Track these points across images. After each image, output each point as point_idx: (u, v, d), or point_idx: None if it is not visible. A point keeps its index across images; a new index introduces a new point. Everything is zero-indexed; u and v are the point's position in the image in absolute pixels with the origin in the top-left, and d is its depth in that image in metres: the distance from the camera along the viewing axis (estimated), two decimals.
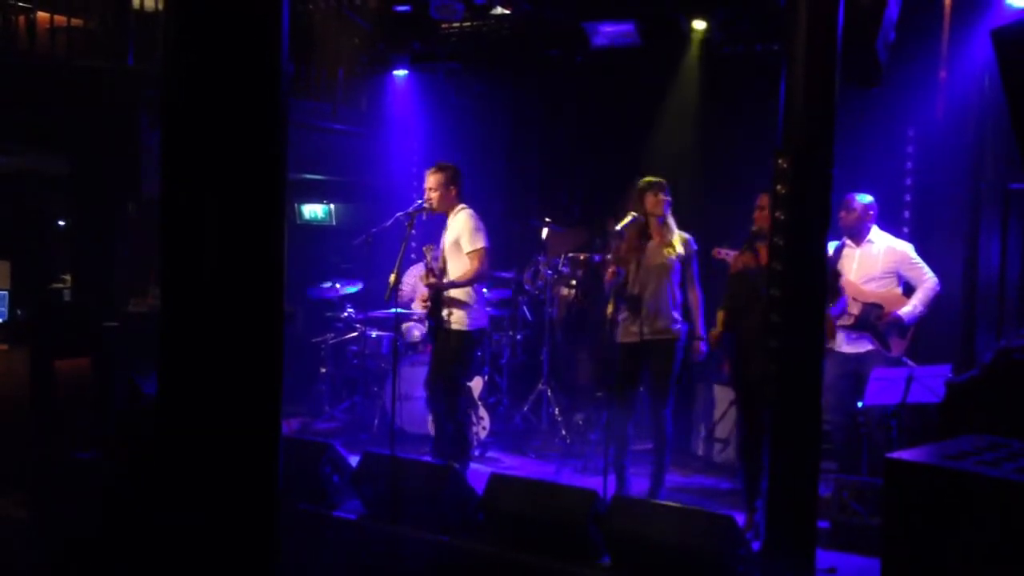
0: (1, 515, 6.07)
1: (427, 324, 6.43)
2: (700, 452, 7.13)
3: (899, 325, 5.90)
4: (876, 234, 6.12)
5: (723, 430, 6.89)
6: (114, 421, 6.36)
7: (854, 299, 5.99)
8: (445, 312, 6.19)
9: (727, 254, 5.72)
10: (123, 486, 5.48)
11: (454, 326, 6.19)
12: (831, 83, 4.40)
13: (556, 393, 7.67)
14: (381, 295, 6.64)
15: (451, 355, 6.20)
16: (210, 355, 3.18)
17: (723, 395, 6.92)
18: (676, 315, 5.83)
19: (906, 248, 6.10)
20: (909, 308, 5.91)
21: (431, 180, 6.33)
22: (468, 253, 6.15)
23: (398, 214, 6.53)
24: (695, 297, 5.91)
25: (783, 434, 4.48)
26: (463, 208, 6.34)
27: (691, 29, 7.21)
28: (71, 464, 5.99)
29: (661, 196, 5.84)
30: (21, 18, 7.85)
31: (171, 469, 3.23)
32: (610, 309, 5.80)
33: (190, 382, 3.21)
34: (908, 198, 7.08)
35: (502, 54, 8.06)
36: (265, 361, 3.26)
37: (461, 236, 6.18)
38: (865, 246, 6.11)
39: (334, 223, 9.98)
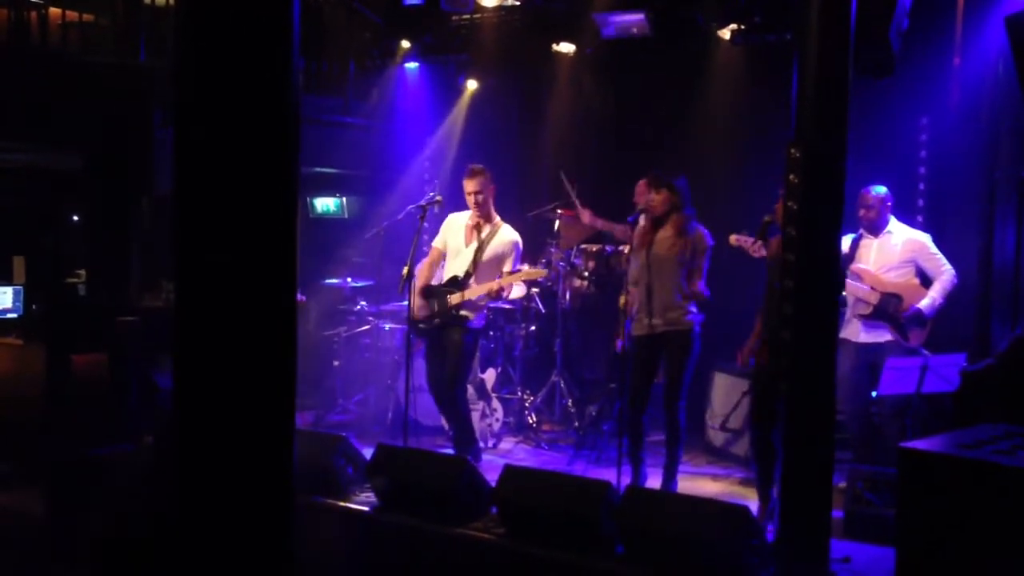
0: (18, 511, 6.10)
1: (428, 322, 6.40)
2: (713, 442, 7.12)
3: (919, 318, 5.90)
4: (895, 225, 6.12)
5: (736, 420, 6.87)
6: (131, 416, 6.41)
7: (873, 288, 5.98)
8: (464, 312, 6.26)
9: (745, 241, 5.71)
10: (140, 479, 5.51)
11: (472, 325, 6.31)
12: (844, 73, 4.38)
13: (569, 384, 7.67)
14: (393, 288, 6.65)
15: (468, 350, 6.32)
16: (225, 349, 3.20)
17: (736, 385, 6.91)
18: (688, 306, 5.80)
19: (924, 239, 6.09)
20: (928, 301, 5.90)
21: (474, 184, 6.25)
22: (512, 272, 6.26)
23: (410, 207, 6.54)
24: (697, 291, 5.80)
25: (796, 425, 4.47)
26: (506, 225, 6.38)
27: (702, 19, 7.18)
28: (87, 459, 6.02)
29: (654, 192, 5.85)
30: (33, 14, 7.88)
31: (187, 462, 3.25)
32: (623, 300, 5.79)
33: (205, 376, 3.22)
34: (922, 187, 7.05)
35: (513, 46, 8.04)
36: (279, 354, 3.27)
37: (508, 257, 6.27)
38: (883, 237, 6.10)
39: (346, 216, 10.00)
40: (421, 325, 6.40)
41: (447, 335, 6.30)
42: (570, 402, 7.57)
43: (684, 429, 5.86)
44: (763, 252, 5.57)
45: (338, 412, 7.90)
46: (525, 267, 6.43)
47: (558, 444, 7.25)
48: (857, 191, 6.03)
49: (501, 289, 6.19)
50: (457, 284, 6.30)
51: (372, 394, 7.89)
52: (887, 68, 5.22)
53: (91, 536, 5.49)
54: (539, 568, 4.79)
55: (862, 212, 6.08)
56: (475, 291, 6.23)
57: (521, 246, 6.38)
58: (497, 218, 6.38)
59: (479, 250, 6.29)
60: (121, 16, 7.97)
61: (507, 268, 6.27)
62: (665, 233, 5.82)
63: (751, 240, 5.65)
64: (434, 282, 6.54)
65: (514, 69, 8.79)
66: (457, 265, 6.37)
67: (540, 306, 7.84)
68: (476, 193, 6.25)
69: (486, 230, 6.33)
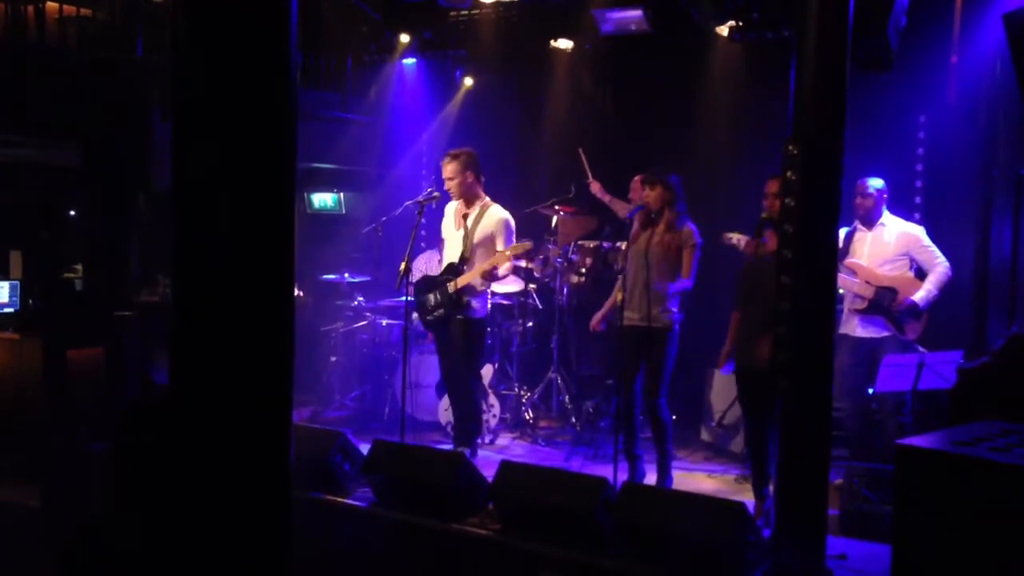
0: (14, 505, 6.10)
1: (433, 314, 6.41)
2: (710, 439, 7.13)
3: (914, 310, 5.91)
4: (888, 218, 6.13)
5: (732, 417, 6.88)
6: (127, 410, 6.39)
7: (867, 283, 5.99)
8: (465, 298, 6.26)
9: (738, 240, 5.71)
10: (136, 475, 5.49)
11: (476, 314, 6.32)
12: (842, 69, 4.38)
13: (566, 381, 7.67)
14: (391, 283, 6.64)
15: (475, 340, 6.35)
16: (222, 345, 3.19)
17: (733, 383, 6.90)
18: (670, 305, 5.81)
19: (918, 232, 6.10)
20: (923, 293, 5.91)
21: (447, 170, 6.31)
22: (506, 251, 6.24)
23: (408, 202, 6.54)
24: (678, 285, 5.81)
25: (793, 422, 4.48)
26: (494, 204, 6.36)
27: (699, 15, 7.18)
28: (84, 454, 6.02)
29: (649, 189, 5.87)
30: (31, 9, 7.87)
31: (184, 458, 3.25)
32: (619, 296, 5.81)
33: (202, 372, 3.22)
34: (919, 184, 7.06)
35: (511, 42, 8.04)
36: (276, 350, 3.27)
37: (499, 236, 6.26)
38: (877, 229, 6.11)
39: (344, 212, 9.99)
40: (428, 318, 6.44)
41: (451, 327, 6.35)
42: (567, 398, 7.57)
43: (668, 424, 5.85)
44: (750, 249, 5.58)
45: (335, 408, 7.90)
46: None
47: (555, 440, 7.26)
48: (854, 189, 6.05)
49: (494, 268, 6.19)
50: (453, 271, 6.33)
51: (369, 390, 7.89)
52: (885, 64, 5.21)
53: (88, 531, 5.48)
54: (535, 564, 4.79)
55: (858, 200, 6.09)
56: (469, 276, 6.26)
57: (512, 224, 6.36)
58: (485, 199, 6.39)
59: (469, 234, 6.31)
60: (119, 11, 7.97)
61: (499, 247, 6.27)
62: (658, 230, 5.84)
63: (744, 239, 5.66)
64: (431, 272, 6.57)
65: (512, 65, 8.78)
66: (452, 252, 6.42)
67: (537, 302, 7.84)
68: (450, 179, 6.30)
69: (473, 213, 6.35)
